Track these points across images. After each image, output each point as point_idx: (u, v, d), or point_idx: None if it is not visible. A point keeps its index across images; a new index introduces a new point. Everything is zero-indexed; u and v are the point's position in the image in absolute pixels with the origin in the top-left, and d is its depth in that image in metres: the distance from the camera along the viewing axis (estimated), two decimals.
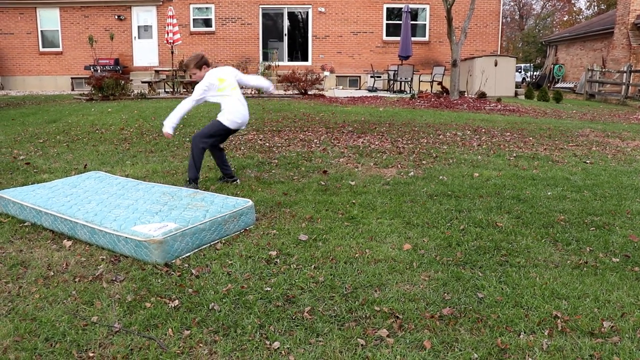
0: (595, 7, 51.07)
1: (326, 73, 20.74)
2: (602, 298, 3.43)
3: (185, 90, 17.75)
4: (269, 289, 3.48)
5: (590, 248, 4.28)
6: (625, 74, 19.89)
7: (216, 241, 4.34)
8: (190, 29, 21.49)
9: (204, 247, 4.22)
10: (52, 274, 3.72)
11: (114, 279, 3.63)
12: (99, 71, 20.09)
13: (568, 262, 4.01)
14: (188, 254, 4.07)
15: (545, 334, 3.01)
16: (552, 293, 3.48)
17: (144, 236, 3.89)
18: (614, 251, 4.24)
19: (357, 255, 4.03)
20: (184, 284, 3.56)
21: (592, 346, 2.89)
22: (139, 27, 21.81)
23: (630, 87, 19.91)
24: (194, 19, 21.59)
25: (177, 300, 3.32)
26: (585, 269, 3.89)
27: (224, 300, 3.33)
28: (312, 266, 3.84)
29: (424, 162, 7.28)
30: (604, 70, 22.37)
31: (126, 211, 4.49)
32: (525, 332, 3.02)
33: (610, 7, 37.91)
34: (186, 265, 3.87)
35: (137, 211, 4.49)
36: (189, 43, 21.31)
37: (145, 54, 21.81)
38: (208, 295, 3.38)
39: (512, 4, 57.52)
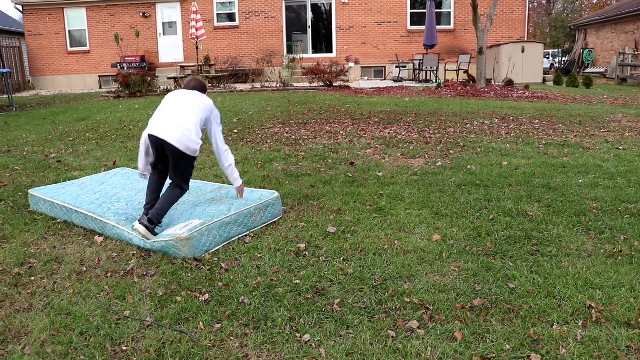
0: None
1: (351, 64, 20.65)
2: (638, 288, 3.36)
3: (211, 84, 17.85)
4: (298, 281, 3.49)
5: (624, 236, 4.19)
6: None
7: (245, 234, 4.36)
8: (214, 24, 21.58)
9: (232, 240, 4.24)
10: (85, 269, 3.78)
11: (145, 273, 3.68)
12: (125, 68, 20.33)
13: (602, 251, 3.93)
14: (217, 247, 4.10)
15: (580, 324, 2.96)
16: (586, 283, 3.42)
17: (171, 236, 3.94)
18: None
19: (386, 246, 4.01)
20: (214, 277, 3.59)
21: (629, 337, 2.84)
22: (163, 23, 21.97)
23: None
24: (217, 14, 21.67)
25: (207, 294, 3.35)
26: (619, 257, 3.81)
27: (253, 293, 3.35)
28: (341, 258, 3.84)
29: (451, 151, 7.20)
30: (636, 53, 21.82)
31: None
32: (558, 323, 2.98)
33: None
34: (215, 259, 3.91)
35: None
36: (214, 38, 21.41)
37: (170, 50, 21.98)
38: (238, 289, 3.41)
39: None
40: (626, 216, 4.64)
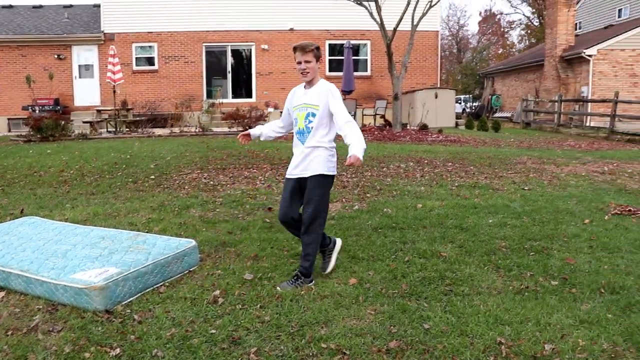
0: (526, 41, 53.50)
1: (270, 109, 20.85)
2: (543, 321, 3.52)
3: (128, 129, 17.46)
4: (214, 331, 3.40)
5: (530, 273, 4.39)
6: (556, 104, 20.79)
7: (160, 284, 4.23)
8: (132, 67, 21.29)
9: (147, 291, 4.11)
10: None
11: (50, 329, 3.48)
12: (37, 111, 19.56)
13: (510, 287, 4.10)
14: (130, 299, 3.95)
15: None
16: (496, 319, 3.54)
17: (84, 283, 3.76)
18: (552, 274, 4.37)
19: (302, 292, 4.00)
20: (126, 330, 3.44)
21: None
22: (79, 66, 21.45)
23: (561, 115, 20.80)
24: (136, 58, 21.42)
25: (118, 349, 3.20)
26: (526, 293, 3.99)
27: (167, 345, 3.24)
28: (258, 305, 3.79)
29: (368, 195, 7.35)
30: (537, 100, 23.33)
31: (64, 258, 4.33)
32: None
33: (539, 41, 39.77)
34: (128, 310, 3.75)
35: (76, 257, 4.34)
36: (132, 82, 21.08)
37: (86, 93, 21.41)
38: (151, 342, 3.28)
39: (449, 38, 59.62)
40: (532, 253, 4.88)
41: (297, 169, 4.12)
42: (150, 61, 21.55)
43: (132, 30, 21.20)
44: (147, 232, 5.46)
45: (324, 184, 4.07)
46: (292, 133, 4.29)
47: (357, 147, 3.83)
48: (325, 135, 4.09)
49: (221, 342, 3.27)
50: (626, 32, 22.54)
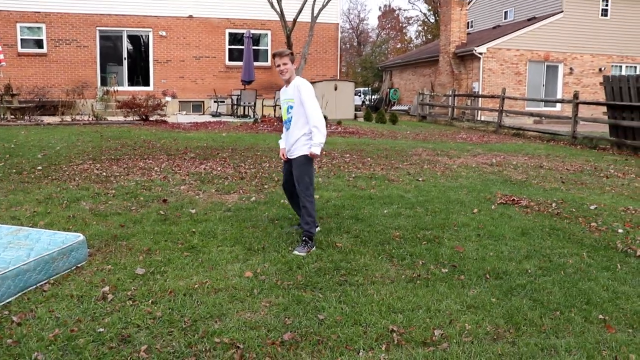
0: (423, 37, 55.47)
1: (168, 98, 20.25)
2: (433, 308, 3.65)
3: (13, 116, 16.32)
4: (102, 329, 3.25)
5: (422, 261, 4.55)
6: (450, 98, 21.71)
7: (44, 282, 3.98)
8: (18, 49, 19.87)
9: (29, 289, 3.85)
10: None
11: None
12: None
13: (403, 276, 4.22)
14: (9, 299, 3.68)
15: (383, 348, 3.13)
16: (389, 308, 3.63)
17: None
18: (443, 262, 4.55)
19: (196, 286, 3.91)
20: (2, 334, 3.20)
21: (425, 355, 3.06)
22: None
23: (455, 109, 21.75)
24: (22, 39, 19.99)
25: None
26: (418, 281, 4.12)
27: (50, 347, 3.05)
28: (150, 301, 3.66)
29: (266, 186, 7.32)
30: (433, 94, 24.24)
31: None
32: (364, 349, 3.11)
33: (435, 38, 41.37)
34: (6, 312, 3.50)
35: None
36: (17, 65, 19.70)
37: None
38: (31, 344, 3.08)
39: (350, 31, 60.65)
40: (424, 242, 5.05)
41: (288, 153, 5.05)
42: (38, 43, 20.22)
43: (16, 9, 19.74)
44: (31, 227, 5.13)
45: (305, 162, 4.90)
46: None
47: (315, 145, 4.78)
48: (305, 125, 4.85)
49: (109, 341, 3.13)
50: (511, 33, 23.95)
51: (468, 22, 27.63)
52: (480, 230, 5.49)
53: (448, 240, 5.14)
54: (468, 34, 26.88)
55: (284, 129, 5.07)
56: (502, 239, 5.24)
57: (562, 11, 24.04)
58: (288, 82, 4.89)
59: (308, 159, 4.88)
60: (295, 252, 4.66)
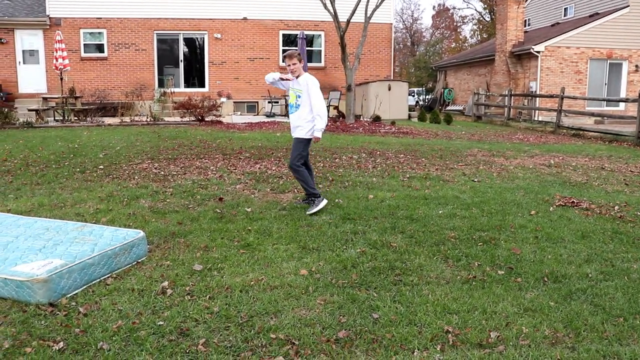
0: (478, 36, 54.52)
1: (223, 99, 20.60)
2: (489, 310, 3.59)
3: (76, 118, 16.96)
4: (161, 322, 3.35)
5: (478, 263, 4.48)
6: (506, 98, 21.27)
7: (107, 276, 4.13)
8: (81, 54, 20.65)
9: (93, 282, 4.00)
10: None
11: None
12: None
13: (458, 277, 4.17)
14: (76, 291, 3.85)
15: (438, 349, 3.10)
16: (444, 309, 3.60)
17: (25, 276, 3.64)
18: (499, 264, 4.47)
19: (252, 283, 3.97)
20: (71, 323, 3.34)
21: (481, 357, 3.02)
22: (23, 51, 20.64)
23: (511, 109, 21.30)
24: (85, 44, 20.77)
25: (62, 342, 3.11)
26: (474, 283, 4.06)
27: (113, 338, 3.17)
28: (207, 296, 3.74)
29: (320, 185, 7.35)
30: (488, 94, 23.81)
31: (4, 250, 4.18)
32: (419, 349, 3.10)
33: (491, 36, 40.58)
34: (73, 303, 3.65)
35: (18, 249, 4.19)
36: (80, 69, 20.47)
37: (31, 80, 20.64)
38: (97, 334, 3.20)
39: (403, 31, 60.25)
40: (480, 244, 4.97)
41: (292, 130, 6.15)
42: (99, 48, 20.95)
43: (80, 16, 20.53)
44: (94, 223, 5.33)
45: (301, 142, 6.00)
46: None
47: (317, 130, 5.93)
48: (309, 113, 5.92)
49: (169, 334, 3.22)
50: (571, 30, 23.22)
51: (525, 20, 26.98)
52: (538, 233, 5.36)
53: (504, 242, 5.04)
54: (525, 32, 26.24)
55: (289, 110, 6.19)
56: (561, 242, 5.11)
57: (627, 6, 23.12)
58: (297, 77, 6.00)
59: (305, 141, 5.99)
60: (309, 212, 5.83)
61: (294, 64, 5.91)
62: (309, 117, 5.92)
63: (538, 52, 22.68)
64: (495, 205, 6.44)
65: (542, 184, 7.89)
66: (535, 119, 20.91)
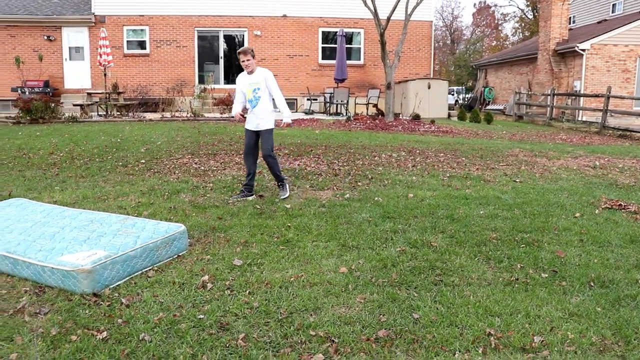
0: (520, 34, 53.52)
1: None
2: (532, 313, 3.51)
3: (119, 113, 17.30)
4: (202, 316, 3.38)
5: (520, 265, 4.39)
6: (549, 97, 20.82)
7: (148, 268, 4.20)
8: (124, 51, 21.05)
9: (135, 274, 4.07)
10: None
11: (37, 311, 3.44)
12: (27, 93, 19.31)
13: (500, 279, 4.09)
14: (118, 282, 3.92)
15: (480, 351, 3.05)
16: (486, 311, 3.53)
17: (71, 266, 3.72)
18: (542, 267, 4.36)
19: (292, 279, 3.98)
20: (114, 314, 3.41)
21: None
22: (70, 48, 21.15)
23: (554, 109, 20.84)
24: (127, 41, 21.16)
25: (105, 332, 3.17)
26: (516, 285, 3.98)
27: (155, 330, 3.21)
28: (247, 291, 3.76)
29: (359, 183, 7.32)
30: (530, 93, 23.35)
31: (51, 240, 4.29)
32: (460, 351, 3.05)
33: (533, 34, 39.81)
34: (116, 294, 3.72)
35: (63, 240, 4.30)
36: (123, 65, 20.87)
37: (77, 76, 21.15)
38: (138, 325, 3.25)
39: (443, 29, 59.56)
40: (522, 245, 4.87)
41: (252, 125, 6.46)
42: (141, 45, 21.31)
43: (123, 13, 20.93)
44: (136, 216, 5.42)
45: (270, 132, 6.45)
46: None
47: (287, 116, 6.48)
48: (268, 103, 6.42)
49: (209, 328, 3.25)
50: (620, 27, 22.54)
51: (570, 17, 26.36)
52: (583, 236, 5.22)
53: (548, 245, 4.93)
54: (570, 29, 25.61)
55: (248, 106, 6.48)
56: (608, 246, 4.96)
57: None
58: (252, 72, 6.36)
59: (272, 131, 6.46)
60: (281, 196, 6.44)
61: (247, 60, 6.23)
62: (270, 107, 6.43)
63: (583, 50, 22.12)
64: (538, 206, 6.30)
65: (587, 185, 7.68)
66: (579, 119, 20.41)
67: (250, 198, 6.40)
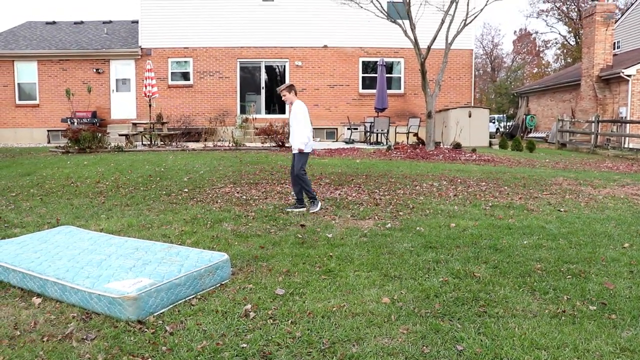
0: (562, 61, 52.83)
1: None
2: (581, 347, 3.42)
3: (162, 142, 17.72)
4: (244, 345, 3.40)
5: (567, 296, 4.28)
6: (593, 124, 20.42)
7: (191, 296, 4.26)
8: (168, 82, 21.66)
9: (179, 302, 4.13)
10: (19, 333, 3.60)
11: (84, 337, 3.53)
12: (75, 124, 20.01)
13: (546, 311, 4.00)
14: (162, 310, 3.98)
15: None
16: (532, 343, 3.46)
17: (117, 293, 3.81)
18: (590, 299, 4.25)
19: (334, 309, 3.97)
20: (158, 341, 3.46)
21: None
22: (117, 80, 21.91)
23: (598, 136, 20.41)
24: (172, 73, 21.79)
25: (150, 359, 3.22)
26: (563, 317, 3.88)
27: (198, 357, 3.25)
28: (289, 321, 3.77)
29: (401, 213, 7.30)
30: (573, 120, 22.95)
31: (98, 268, 4.40)
32: None
33: (575, 61, 39.26)
34: (160, 322, 3.78)
35: (110, 267, 4.40)
36: (167, 96, 21.45)
37: (123, 106, 21.84)
38: (182, 353, 3.30)
39: (484, 57, 59.28)
40: (568, 276, 4.76)
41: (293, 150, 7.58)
42: (185, 76, 21.90)
43: (168, 46, 21.61)
44: (180, 244, 5.51)
45: (300, 155, 7.41)
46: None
47: (296, 144, 7.39)
48: (298, 133, 7.36)
49: (252, 357, 3.26)
50: None
51: (614, 43, 25.93)
52: (633, 267, 5.07)
53: (595, 276, 4.80)
54: (614, 55, 25.18)
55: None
56: None
57: None
58: (291, 104, 7.45)
59: (302, 154, 7.36)
60: (312, 210, 7.33)
61: (284, 95, 7.44)
62: (302, 136, 7.34)
63: (629, 75, 21.67)
64: (584, 236, 6.15)
65: (636, 215, 7.47)
66: (626, 146, 19.92)
67: (302, 210, 7.40)
